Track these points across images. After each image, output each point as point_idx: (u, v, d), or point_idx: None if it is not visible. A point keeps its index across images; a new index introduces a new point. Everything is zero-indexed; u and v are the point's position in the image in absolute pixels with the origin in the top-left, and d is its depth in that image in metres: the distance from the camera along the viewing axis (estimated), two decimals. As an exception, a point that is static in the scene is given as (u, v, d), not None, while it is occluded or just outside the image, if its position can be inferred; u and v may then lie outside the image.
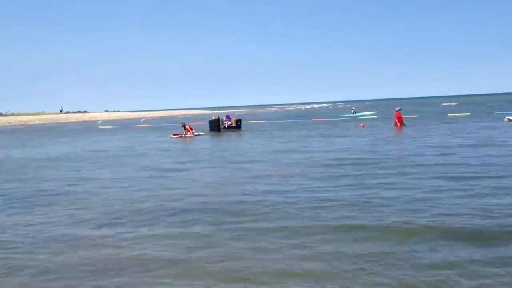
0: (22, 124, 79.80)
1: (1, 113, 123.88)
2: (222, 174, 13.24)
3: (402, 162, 13.50)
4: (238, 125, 34.33)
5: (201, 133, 31.09)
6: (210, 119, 35.08)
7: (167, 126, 47.00)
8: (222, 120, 34.09)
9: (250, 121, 49.07)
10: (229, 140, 26.64)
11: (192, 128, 31.01)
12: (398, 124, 28.57)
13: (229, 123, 34.30)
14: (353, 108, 59.28)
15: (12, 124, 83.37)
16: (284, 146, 20.50)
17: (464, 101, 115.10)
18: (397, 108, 30.73)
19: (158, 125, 52.47)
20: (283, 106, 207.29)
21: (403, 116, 29.45)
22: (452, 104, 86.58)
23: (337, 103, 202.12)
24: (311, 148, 18.93)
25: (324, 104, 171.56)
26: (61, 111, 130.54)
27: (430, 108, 67.30)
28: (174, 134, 30.80)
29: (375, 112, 50.68)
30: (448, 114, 42.02)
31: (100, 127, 55.44)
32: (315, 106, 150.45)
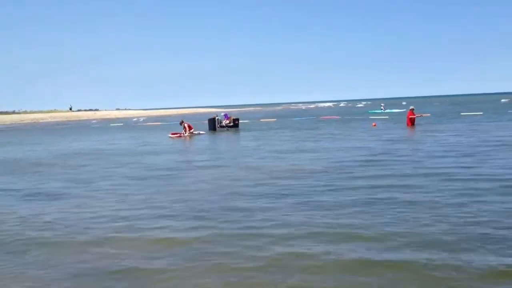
0: (52, 120, 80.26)
1: (14, 111, 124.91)
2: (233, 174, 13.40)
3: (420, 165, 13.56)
4: (235, 124, 34.63)
5: (201, 132, 30.46)
6: (210, 118, 35.43)
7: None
8: (218, 119, 34.34)
9: (262, 120, 49.29)
10: (226, 139, 26.82)
11: (192, 126, 30.16)
12: (410, 123, 28.45)
13: (227, 121, 34.50)
14: (382, 104, 59.70)
15: (25, 121, 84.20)
16: (290, 146, 20.59)
17: (475, 99, 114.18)
18: (410, 107, 30.74)
19: (170, 123, 52.73)
20: (285, 105, 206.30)
21: (415, 116, 29.38)
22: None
23: (340, 102, 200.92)
24: (327, 147, 19.08)
25: (327, 104, 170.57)
26: (70, 109, 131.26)
27: (440, 107, 67.00)
28: (172, 134, 29.91)
29: (404, 110, 50.38)
30: (461, 113, 41.93)
31: (139, 123, 55.75)
32: (321, 105, 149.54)
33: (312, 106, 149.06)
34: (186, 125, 29.72)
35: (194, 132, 29.68)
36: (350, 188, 10.18)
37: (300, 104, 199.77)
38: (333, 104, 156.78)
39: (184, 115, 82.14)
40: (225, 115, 35.65)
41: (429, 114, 39.08)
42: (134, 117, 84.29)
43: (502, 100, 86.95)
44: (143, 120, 69.04)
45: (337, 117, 46.73)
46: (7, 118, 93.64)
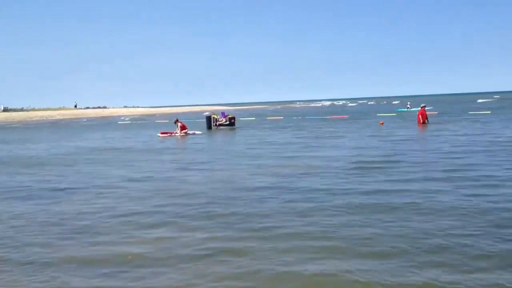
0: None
1: (22, 108, 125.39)
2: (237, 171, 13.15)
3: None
4: (231, 123, 34.12)
5: (197, 132, 28.90)
6: (207, 116, 35.05)
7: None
8: (214, 118, 34.01)
9: (270, 117, 49.06)
10: (223, 139, 25.85)
11: (186, 126, 28.70)
12: (421, 121, 28.00)
13: (223, 120, 34.02)
14: (408, 103, 59.24)
15: (34, 119, 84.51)
16: (288, 147, 20.33)
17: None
18: (421, 105, 30.48)
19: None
20: (296, 103, 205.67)
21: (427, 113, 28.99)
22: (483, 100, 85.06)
23: (358, 100, 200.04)
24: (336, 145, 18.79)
25: (341, 102, 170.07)
26: (75, 106, 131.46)
27: (452, 106, 66.36)
28: (162, 133, 28.62)
29: (431, 107, 49.79)
30: (469, 112, 41.46)
31: (156, 120, 55.74)
32: (337, 103, 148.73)
33: (328, 103, 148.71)
34: (180, 124, 28.30)
35: (188, 132, 28.26)
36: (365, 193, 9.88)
37: (317, 102, 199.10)
38: (342, 102, 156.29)
39: (192, 113, 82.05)
40: (223, 113, 35.24)
41: (436, 112, 38.79)
42: (153, 114, 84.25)
43: (479, 100, 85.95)
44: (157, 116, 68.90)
45: (345, 116, 46.32)
46: (15, 115, 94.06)
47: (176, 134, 27.87)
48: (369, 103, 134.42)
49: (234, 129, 32.51)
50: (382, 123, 30.79)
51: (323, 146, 18.71)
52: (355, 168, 12.52)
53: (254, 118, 49.48)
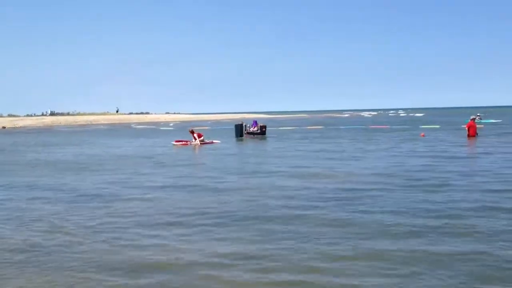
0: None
1: (68, 112, 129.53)
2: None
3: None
4: (262, 132, 33.64)
5: (215, 141, 28.29)
6: (236, 124, 34.47)
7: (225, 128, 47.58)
8: (245, 125, 33.56)
9: (308, 127, 48.86)
10: (255, 149, 25.22)
11: (202, 134, 27.95)
12: (471, 134, 26.30)
13: (254, 129, 33.60)
14: (478, 114, 57.27)
15: (79, 123, 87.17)
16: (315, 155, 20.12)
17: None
18: (471, 117, 29.20)
19: (221, 128, 53.26)
20: (331, 112, 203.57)
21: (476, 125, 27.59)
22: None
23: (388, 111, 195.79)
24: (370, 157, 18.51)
25: (374, 112, 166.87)
26: (117, 111, 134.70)
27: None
28: (177, 141, 27.81)
29: (500, 120, 48.28)
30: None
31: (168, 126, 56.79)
32: (365, 114, 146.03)
33: (368, 114, 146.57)
34: (196, 134, 27.59)
35: (205, 140, 27.52)
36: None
37: (345, 112, 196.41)
38: (379, 112, 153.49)
39: (229, 120, 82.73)
40: (254, 122, 34.87)
41: (482, 126, 37.60)
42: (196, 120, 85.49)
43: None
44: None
45: (386, 126, 45.65)
46: (61, 119, 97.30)
47: (192, 143, 27.06)
48: (389, 113, 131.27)
49: (265, 138, 32.14)
50: (423, 135, 30.20)
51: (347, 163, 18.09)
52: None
53: (294, 127, 49.43)
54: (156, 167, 16.93)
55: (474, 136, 26.16)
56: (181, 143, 27.27)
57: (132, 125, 72.97)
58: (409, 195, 10.35)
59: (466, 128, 27.44)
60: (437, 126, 42.26)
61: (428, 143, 24.54)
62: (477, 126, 27.59)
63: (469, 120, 28.22)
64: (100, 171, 16.23)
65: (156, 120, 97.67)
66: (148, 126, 66.56)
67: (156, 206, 10.01)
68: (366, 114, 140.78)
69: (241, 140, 31.02)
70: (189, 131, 28.62)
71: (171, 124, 67.91)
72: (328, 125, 55.12)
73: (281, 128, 49.70)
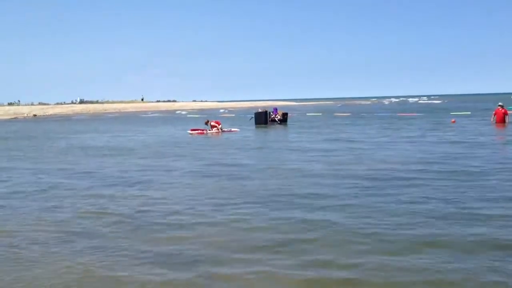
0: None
1: (98, 100, 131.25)
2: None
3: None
4: (284, 119, 33.41)
5: (233, 129, 27.90)
6: (256, 112, 34.26)
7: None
8: (269, 112, 33.29)
9: (336, 114, 48.37)
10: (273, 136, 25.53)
11: (220, 122, 27.71)
12: (497, 120, 26.17)
13: (278, 116, 33.25)
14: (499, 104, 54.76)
15: (109, 111, 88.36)
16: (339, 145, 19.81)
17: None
18: (499, 103, 28.34)
19: (241, 115, 53.19)
20: (353, 99, 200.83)
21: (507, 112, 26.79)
22: None
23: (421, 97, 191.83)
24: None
25: (396, 99, 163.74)
26: (142, 99, 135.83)
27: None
28: (192, 130, 27.20)
29: None
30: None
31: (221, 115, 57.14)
32: (411, 100, 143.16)
33: (395, 100, 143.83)
34: (212, 123, 27.24)
35: (223, 129, 27.15)
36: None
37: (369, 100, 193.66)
38: (400, 99, 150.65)
39: (255, 107, 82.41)
40: (275, 110, 34.61)
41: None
42: (218, 108, 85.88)
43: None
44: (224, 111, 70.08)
45: (414, 114, 44.71)
46: (91, 107, 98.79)
47: (208, 132, 26.61)
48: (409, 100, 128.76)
49: (286, 125, 31.92)
50: (454, 121, 29.59)
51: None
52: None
53: (320, 114, 48.99)
54: (184, 157, 16.97)
55: (501, 122, 25.91)
56: (196, 131, 26.77)
57: (148, 113, 73.19)
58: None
59: (494, 115, 26.99)
60: (468, 113, 41.18)
61: (461, 129, 24.26)
62: (507, 112, 26.75)
63: (497, 107, 27.43)
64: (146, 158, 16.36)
65: (172, 108, 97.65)
66: (162, 114, 66.77)
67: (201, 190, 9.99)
68: (386, 101, 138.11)
69: (265, 127, 30.92)
70: (205, 122, 27.96)
71: (183, 112, 68.17)
72: (356, 112, 54.38)
73: (308, 114, 49.37)
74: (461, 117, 34.79)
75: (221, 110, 72.76)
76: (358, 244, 6.29)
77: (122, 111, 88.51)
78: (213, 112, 62.80)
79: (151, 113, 70.81)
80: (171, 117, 54.75)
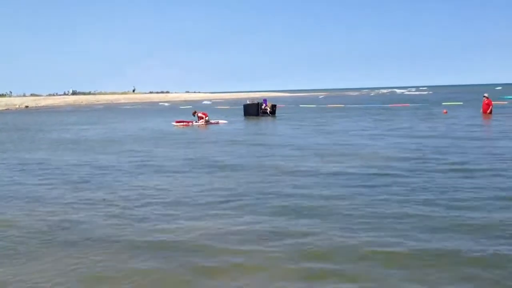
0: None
1: (90, 91, 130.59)
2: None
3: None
4: (273, 111, 33.15)
5: (221, 121, 27.28)
6: (245, 103, 34.05)
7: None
8: (260, 104, 32.99)
9: (329, 105, 48.46)
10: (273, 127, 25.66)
11: (207, 114, 26.89)
12: (486, 111, 26.77)
13: (267, 108, 32.86)
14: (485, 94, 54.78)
15: (101, 102, 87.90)
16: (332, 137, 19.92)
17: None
18: (484, 95, 28.79)
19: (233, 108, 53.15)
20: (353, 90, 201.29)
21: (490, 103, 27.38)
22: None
23: (420, 88, 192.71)
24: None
25: (385, 90, 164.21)
26: (134, 90, 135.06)
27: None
28: (177, 122, 26.53)
29: None
30: None
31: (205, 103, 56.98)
32: (398, 91, 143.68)
33: (385, 91, 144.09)
34: (199, 114, 26.65)
35: (210, 121, 26.52)
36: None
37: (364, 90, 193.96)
38: (389, 91, 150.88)
39: (248, 99, 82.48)
40: (264, 101, 34.32)
41: (506, 102, 36.84)
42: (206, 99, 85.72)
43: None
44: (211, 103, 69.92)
45: (407, 104, 44.88)
46: (83, 98, 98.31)
47: (195, 123, 26.08)
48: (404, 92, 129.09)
49: (275, 117, 31.64)
50: (446, 112, 29.75)
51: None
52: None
53: (314, 106, 49.06)
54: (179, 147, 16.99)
55: (486, 113, 26.68)
56: (182, 123, 26.18)
57: (126, 106, 72.78)
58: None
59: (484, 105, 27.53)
60: (460, 103, 41.39)
61: (452, 120, 24.48)
62: (491, 103, 27.32)
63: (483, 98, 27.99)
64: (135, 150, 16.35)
65: (155, 100, 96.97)
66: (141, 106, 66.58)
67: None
68: (372, 93, 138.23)
69: (257, 119, 30.68)
70: (192, 113, 27.67)
71: (166, 104, 67.84)
72: (348, 103, 54.50)
73: (302, 105, 49.41)
74: (452, 108, 34.93)
75: (205, 102, 72.13)
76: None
77: (115, 102, 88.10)
78: (196, 104, 61.95)
79: (130, 106, 69.33)
80: (150, 109, 54.53)
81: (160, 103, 73.86)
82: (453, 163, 11.30)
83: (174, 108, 55.32)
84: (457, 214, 7.12)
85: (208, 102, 69.86)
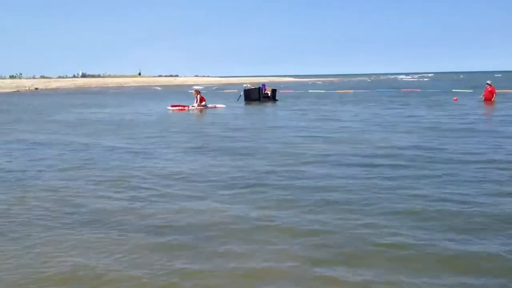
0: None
1: (99, 74, 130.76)
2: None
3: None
4: (274, 95, 32.63)
5: (218, 106, 26.50)
6: (245, 88, 33.03)
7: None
8: (261, 88, 32.10)
9: (338, 91, 48.23)
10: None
11: (204, 99, 25.92)
12: (489, 98, 26.88)
13: (267, 92, 32.31)
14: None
15: (109, 85, 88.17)
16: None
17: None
18: (487, 82, 28.61)
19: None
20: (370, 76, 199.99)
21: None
22: None
23: (423, 74, 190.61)
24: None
25: (392, 76, 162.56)
26: (139, 74, 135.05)
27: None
28: (173, 106, 25.68)
29: None
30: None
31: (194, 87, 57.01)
32: (403, 77, 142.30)
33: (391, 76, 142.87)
34: (199, 96, 25.68)
35: (208, 105, 25.78)
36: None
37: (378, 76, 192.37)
38: (399, 77, 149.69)
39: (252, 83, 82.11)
40: (263, 85, 33.16)
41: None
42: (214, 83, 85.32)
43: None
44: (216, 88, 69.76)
45: (418, 90, 44.58)
46: (93, 81, 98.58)
47: (190, 108, 25.09)
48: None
49: (275, 103, 31.12)
50: (456, 99, 29.57)
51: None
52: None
53: (323, 91, 48.83)
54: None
55: (489, 100, 26.84)
56: (177, 108, 25.22)
57: (110, 91, 72.82)
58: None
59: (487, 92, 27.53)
60: (470, 91, 41.01)
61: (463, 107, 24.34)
62: (494, 91, 27.39)
63: (486, 86, 28.03)
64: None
65: (185, 83, 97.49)
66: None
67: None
68: (369, 79, 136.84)
69: (259, 104, 30.21)
70: (194, 91, 26.90)
71: (158, 88, 67.93)
72: (357, 88, 54.19)
73: (311, 91, 49.20)
74: (463, 95, 34.64)
75: (196, 87, 71.06)
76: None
77: (124, 85, 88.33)
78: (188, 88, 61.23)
79: (113, 90, 68.29)
80: (144, 92, 54.43)
81: (154, 87, 73.31)
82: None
83: (171, 91, 55.39)
84: None
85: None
